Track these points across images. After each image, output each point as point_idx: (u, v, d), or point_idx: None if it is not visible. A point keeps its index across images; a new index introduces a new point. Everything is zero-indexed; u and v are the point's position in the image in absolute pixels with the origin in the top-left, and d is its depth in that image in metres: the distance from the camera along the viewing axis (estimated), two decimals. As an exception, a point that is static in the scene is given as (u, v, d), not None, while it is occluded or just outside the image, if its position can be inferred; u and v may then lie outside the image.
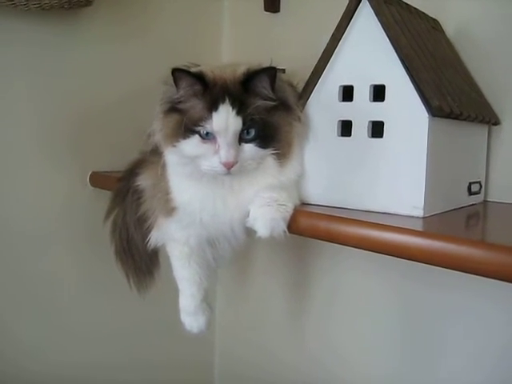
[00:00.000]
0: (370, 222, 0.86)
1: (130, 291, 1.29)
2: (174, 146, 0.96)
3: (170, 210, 1.08)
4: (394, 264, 1.33)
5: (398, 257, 0.82)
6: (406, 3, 1.05)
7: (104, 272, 1.51)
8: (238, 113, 0.91)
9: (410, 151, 0.91)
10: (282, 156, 0.98)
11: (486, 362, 1.21)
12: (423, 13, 1.12)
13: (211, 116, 0.91)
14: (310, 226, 0.94)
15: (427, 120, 0.89)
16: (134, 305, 1.51)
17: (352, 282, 1.48)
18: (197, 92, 0.94)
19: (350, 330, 1.49)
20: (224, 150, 0.91)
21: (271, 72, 0.93)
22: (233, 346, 1.87)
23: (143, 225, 1.19)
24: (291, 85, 1.05)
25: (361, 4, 0.96)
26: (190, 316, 1.19)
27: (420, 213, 0.90)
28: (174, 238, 1.14)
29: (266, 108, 0.95)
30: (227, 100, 0.91)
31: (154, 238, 1.16)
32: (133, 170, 1.23)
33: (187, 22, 1.67)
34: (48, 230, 1.47)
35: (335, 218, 0.91)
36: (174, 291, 1.20)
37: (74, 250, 1.52)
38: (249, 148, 0.94)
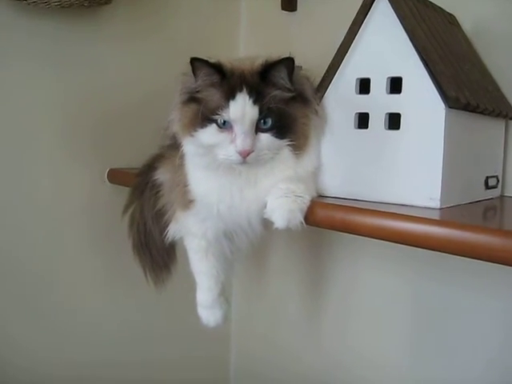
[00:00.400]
0: (386, 212, 0.86)
1: (147, 286, 1.30)
2: (192, 136, 0.97)
3: (187, 202, 1.09)
4: (411, 262, 1.35)
5: (414, 246, 0.83)
6: (422, -2, 1.06)
7: (121, 268, 1.53)
8: (255, 102, 0.92)
9: (427, 143, 0.91)
10: (298, 147, 0.98)
11: (502, 361, 1.21)
12: (440, 7, 1.12)
13: (228, 104, 0.93)
14: (326, 217, 0.94)
15: (444, 111, 0.89)
16: (150, 301, 1.55)
17: (369, 280, 1.48)
18: (214, 82, 0.95)
19: (367, 328, 1.49)
20: (240, 138, 0.92)
21: (289, 62, 0.94)
22: (249, 344, 1.88)
23: (161, 219, 1.20)
24: (308, 79, 1.05)
25: (377, -3, 0.97)
26: (207, 310, 1.20)
27: (437, 204, 0.90)
28: (191, 232, 1.15)
29: (284, 99, 0.96)
30: (244, 89, 0.93)
31: (172, 231, 1.18)
32: (151, 165, 1.25)
33: (205, 20, 1.68)
34: (67, 226, 1.49)
35: (351, 208, 0.91)
36: (190, 288, 1.21)
37: (92, 245, 1.53)
38: (265, 137, 0.94)
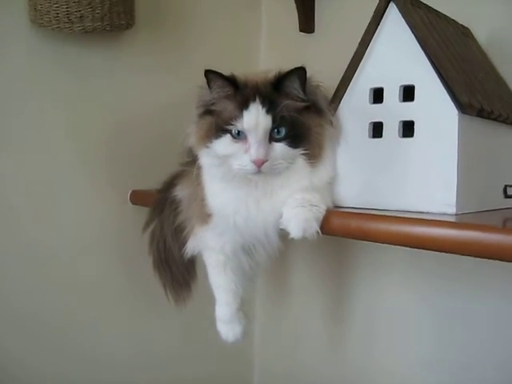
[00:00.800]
0: (401, 217, 0.86)
1: (168, 305, 1.31)
2: (208, 147, 0.99)
3: (205, 217, 1.10)
4: (432, 278, 1.33)
5: (431, 249, 0.82)
6: (434, 9, 1.06)
7: (145, 288, 1.53)
8: (268, 111, 0.94)
9: (441, 149, 0.91)
10: (312, 157, 0.99)
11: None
12: (453, 20, 1.13)
13: (242, 114, 0.94)
14: (342, 226, 0.94)
15: (457, 117, 0.89)
16: (173, 320, 1.55)
17: (392, 297, 1.46)
18: (228, 93, 0.98)
19: (391, 345, 1.47)
20: (254, 148, 0.93)
21: (301, 72, 0.96)
22: (272, 363, 1.85)
23: (180, 235, 1.21)
24: (321, 90, 1.07)
25: (388, 7, 0.98)
26: (226, 325, 1.20)
27: (453, 210, 0.90)
28: (209, 246, 1.15)
29: (297, 108, 0.97)
30: (257, 99, 0.94)
31: (191, 246, 1.18)
32: (171, 182, 1.26)
33: (225, 42, 1.72)
34: (90, 247, 1.51)
35: (366, 215, 0.92)
36: (212, 306, 1.21)
37: (115, 266, 1.55)
38: (279, 147, 0.95)
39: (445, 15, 1.10)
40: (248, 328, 1.22)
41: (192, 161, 1.11)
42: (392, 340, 1.46)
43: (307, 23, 1.63)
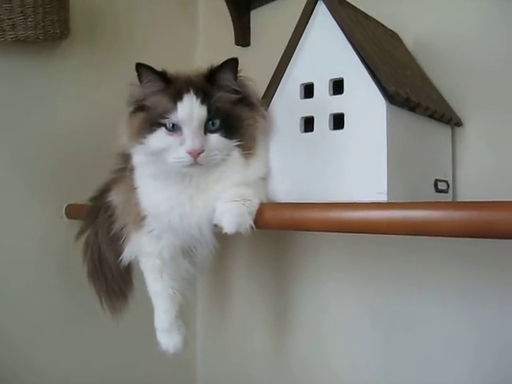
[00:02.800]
0: (331, 203, 0.87)
1: (104, 316, 1.26)
2: (141, 143, 0.97)
3: (140, 220, 1.08)
4: (372, 283, 1.33)
5: (363, 232, 0.83)
6: (363, 11, 1.10)
7: (80, 302, 1.49)
8: (203, 102, 0.94)
9: (371, 138, 0.93)
10: (246, 149, 0.99)
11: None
12: (382, 23, 1.17)
13: (176, 106, 0.94)
14: (275, 218, 0.94)
15: (385, 106, 0.91)
16: (114, 332, 1.50)
17: (335, 301, 1.45)
18: (160, 87, 0.97)
19: (338, 350, 1.45)
20: (189, 138, 0.93)
21: (234, 63, 0.97)
22: (216, 373, 1.81)
23: (115, 243, 1.18)
24: (253, 87, 1.07)
25: (317, 5, 1.00)
26: (165, 334, 1.15)
27: (384, 198, 0.90)
28: (146, 251, 1.12)
29: (231, 100, 0.98)
30: (191, 90, 0.94)
31: (127, 253, 1.15)
32: (104, 189, 1.24)
33: (161, 55, 1.66)
34: (26, 264, 1.46)
35: (298, 205, 0.93)
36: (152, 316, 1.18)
37: (51, 282, 1.49)
38: (214, 138, 0.95)
39: (374, 19, 1.14)
40: (188, 338, 1.18)
41: (124, 167, 1.09)
42: (337, 345, 1.45)
43: (243, 37, 1.65)
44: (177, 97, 0.94)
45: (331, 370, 1.46)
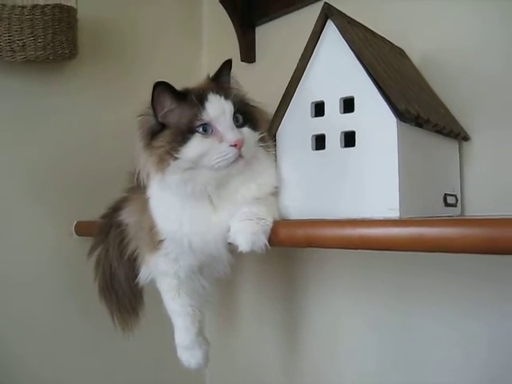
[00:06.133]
0: (345, 220, 0.88)
1: (120, 334, 1.27)
2: (176, 158, 0.94)
3: (155, 243, 1.08)
4: (382, 297, 1.34)
5: (377, 249, 0.84)
6: (370, 29, 1.11)
7: (90, 318, 1.50)
8: (226, 98, 0.98)
9: (382, 155, 0.94)
10: (266, 140, 1.04)
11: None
12: (389, 40, 1.18)
13: (204, 107, 0.95)
14: (289, 235, 0.95)
15: (395, 124, 0.93)
16: (122, 347, 1.52)
17: (344, 321, 1.46)
18: (180, 100, 0.97)
19: (350, 367, 1.46)
20: (228, 132, 0.95)
21: (230, 63, 1.06)
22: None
23: (126, 260, 1.19)
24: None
25: (326, 24, 1.02)
26: (187, 351, 1.17)
27: (396, 214, 0.92)
28: (162, 272, 1.13)
29: (240, 99, 1.02)
30: (212, 91, 0.97)
31: (143, 275, 1.16)
32: (116, 207, 1.25)
33: (167, 72, 1.66)
34: (36, 281, 1.47)
35: (312, 222, 0.94)
36: (166, 333, 1.19)
37: (60, 297, 1.50)
38: (246, 130, 0.99)
39: (381, 36, 1.15)
40: (209, 353, 1.20)
41: (136, 186, 1.10)
42: (348, 359, 1.45)
43: (248, 53, 1.67)
44: (201, 99, 0.96)
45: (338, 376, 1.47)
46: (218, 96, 0.97)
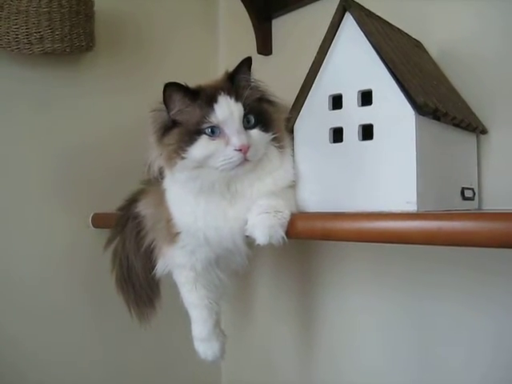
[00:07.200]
0: (363, 214, 0.88)
1: (137, 325, 1.29)
2: (183, 158, 0.96)
3: (172, 236, 1.09)
4: (398, 284, 1.34)
5: (396, 242, 0.84)
6: (388, 22, 1.11)
7: (107, 310, 1.52)
8: (237, 100, 0.97)
9: (400, 149, 0.93)
10: (279, 141, 1.03)
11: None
12: (406, 33, 1.18)
13: (213, 109, 0.95)
14: (306, 228, 0.95)
15: (414, 117, 0.92)
16: (138, 339, 1.55)
17: (360, 316, 1.46)
18: (191, 99, 0.98)
19: (364, 362, 1.46)
20: (235, 136, 0.95)
21: (249, 61, 1.02)
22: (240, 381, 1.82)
23: (143, 252, 1.20)
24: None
25: (344, 16, 1.01)
26: (204, 343, 1.18)
27: (414, 207, 0.91)
28: (179, 264, 1.14)
29: (256, 97, 1.01)
30: (223, 92, 0.97)
31: (160, 267, 1.16)
32: (133, 199, 1.26)
33: (184, 64, 1.74)
34: (54, 273, 1.48)
35: (330, 215, 0.94)
36: (182, 325, 1.20)
37: (77, 289, 1.52)
38: (255, 133, 0.98)
39: (398, 28, 1.15)
40: (226, 345, 1.21)
41: (153, 180, 1.11)
42: (365, 355, 1.45)
43: (264, 45, 1.67)
44: (211, 101, 0.96)
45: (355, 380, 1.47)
46: (228, 97, 0.96)
